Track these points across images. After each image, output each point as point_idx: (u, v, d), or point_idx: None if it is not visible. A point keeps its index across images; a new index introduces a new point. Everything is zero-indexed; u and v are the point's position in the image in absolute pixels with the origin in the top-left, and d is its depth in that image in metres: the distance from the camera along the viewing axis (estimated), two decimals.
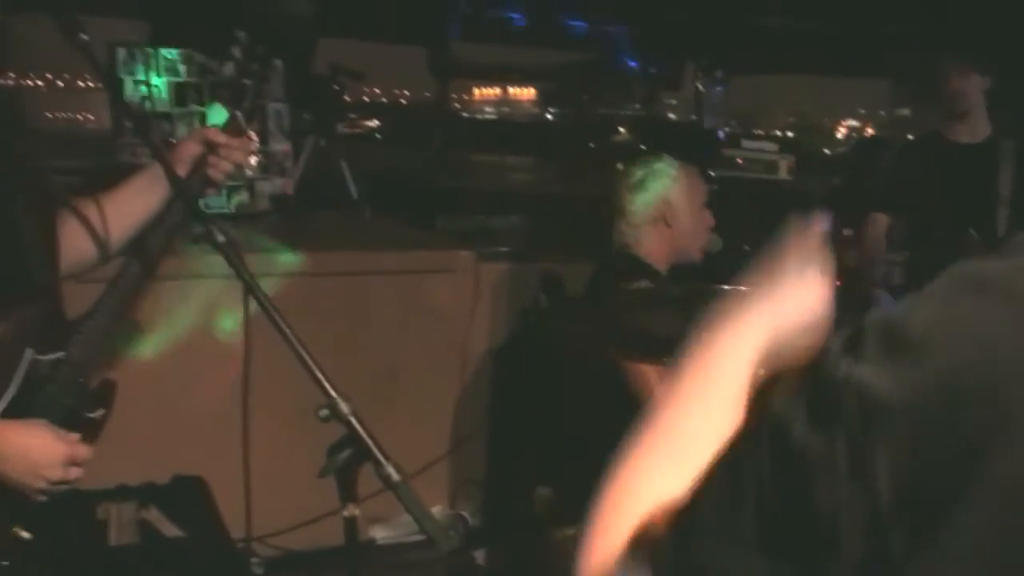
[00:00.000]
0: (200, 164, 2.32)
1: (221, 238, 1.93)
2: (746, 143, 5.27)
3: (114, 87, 4.74)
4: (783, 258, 1.19)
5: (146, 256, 2.25)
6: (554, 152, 9.52)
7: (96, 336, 2.18)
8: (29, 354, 2.10)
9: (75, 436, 2.13)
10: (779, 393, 0.90)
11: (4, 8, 2.18)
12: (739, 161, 5.16)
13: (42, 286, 2.21)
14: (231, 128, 2.34)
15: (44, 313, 2.16)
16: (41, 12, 2.17)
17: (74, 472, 2.12)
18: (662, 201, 3.58)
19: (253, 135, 2.43)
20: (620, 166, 3.72)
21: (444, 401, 4.52)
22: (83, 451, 2.14)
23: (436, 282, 4.49)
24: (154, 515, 3.72)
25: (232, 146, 2.32)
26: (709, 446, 0.94)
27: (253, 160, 4.89)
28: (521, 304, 4.59)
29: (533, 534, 3.57)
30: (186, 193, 2.20)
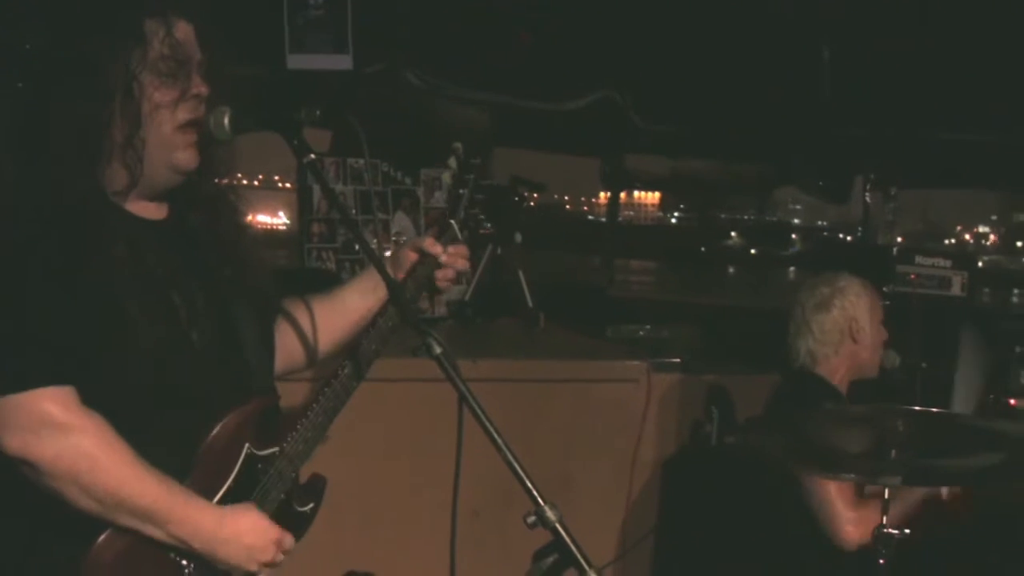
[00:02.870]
0: (414, 271, 2.42)
1: (438, 350, 1.95)
2: (919, 259, 5.22)
3: (304, 195, 5.01)
4: None
5: (360, 359, 2.35)
6: (673, 256, 9.54)
7: (309, 433, 2.28)
8: (246, 448, 2.20)
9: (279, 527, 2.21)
10: None
11: (238, 130, 2.31)
12: (912, 277, 5.12)
13: (261, 384, 2.32)
14: (446, 237, 2.43)
15: (262, 410, 2.25)
16: (274, 132, 2.31)
17: (280, 556, 2.20)
18: (850, 318, 3.61)
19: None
20: (804, 285, 3.76)
21: (613, 508, 4.55)
22: (289, 538, 2.22)
23: (609, 391, 4.55)
24: None
25: (452, 254, 2.42)
26: None
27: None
28: (692, 415, 4.62)
29: None
30: (401, 299, 2.21)
